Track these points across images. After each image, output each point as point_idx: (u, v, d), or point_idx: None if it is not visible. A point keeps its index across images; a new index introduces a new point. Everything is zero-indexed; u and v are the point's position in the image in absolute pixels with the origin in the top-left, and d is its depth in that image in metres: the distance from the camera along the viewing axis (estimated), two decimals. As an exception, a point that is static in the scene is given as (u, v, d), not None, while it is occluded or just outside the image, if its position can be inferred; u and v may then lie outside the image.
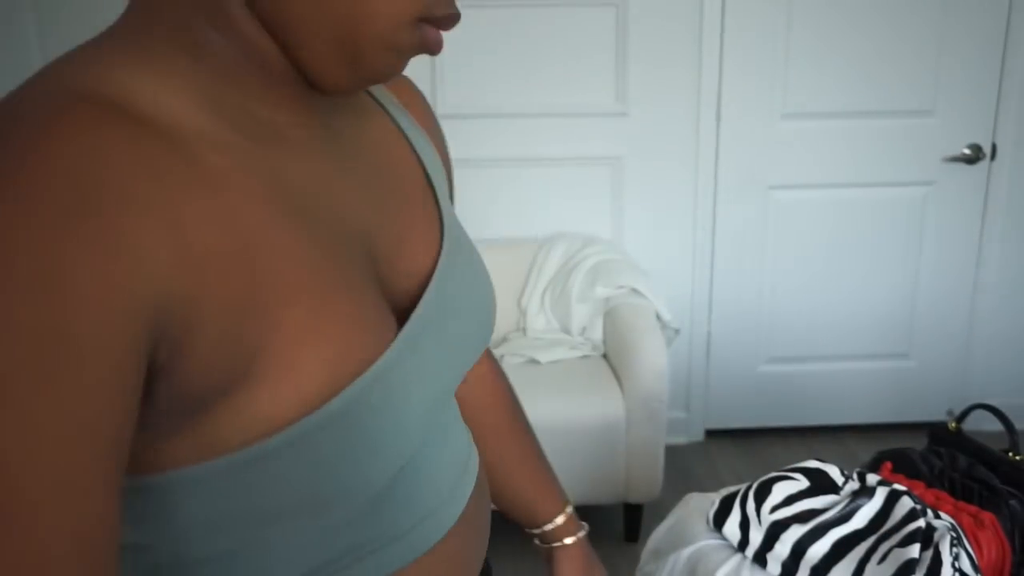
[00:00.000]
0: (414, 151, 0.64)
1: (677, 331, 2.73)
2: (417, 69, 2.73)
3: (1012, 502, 1.45)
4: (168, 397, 0.44)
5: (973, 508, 1.43)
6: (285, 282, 0.47)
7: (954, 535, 1.29)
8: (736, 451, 3.01)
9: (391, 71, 0.53)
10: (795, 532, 1.34)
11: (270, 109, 0.52)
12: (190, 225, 0.43)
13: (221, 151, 0.47)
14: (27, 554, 0.37)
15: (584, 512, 2.73)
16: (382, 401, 0.50)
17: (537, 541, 0.89)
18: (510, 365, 2.53)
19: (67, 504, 0.38)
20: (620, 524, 2.53)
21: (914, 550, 1.25)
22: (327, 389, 0.47)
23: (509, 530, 0.97)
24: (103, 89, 0.44)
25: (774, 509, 1.37)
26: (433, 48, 0.53)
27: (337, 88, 0.53)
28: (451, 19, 0.53)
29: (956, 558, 1.26)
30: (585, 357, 2.59)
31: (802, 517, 1.35)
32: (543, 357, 2.54)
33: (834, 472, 1.42)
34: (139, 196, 0.41)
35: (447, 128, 2.91)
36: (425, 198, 0.63)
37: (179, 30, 0.49)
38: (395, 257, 0.57)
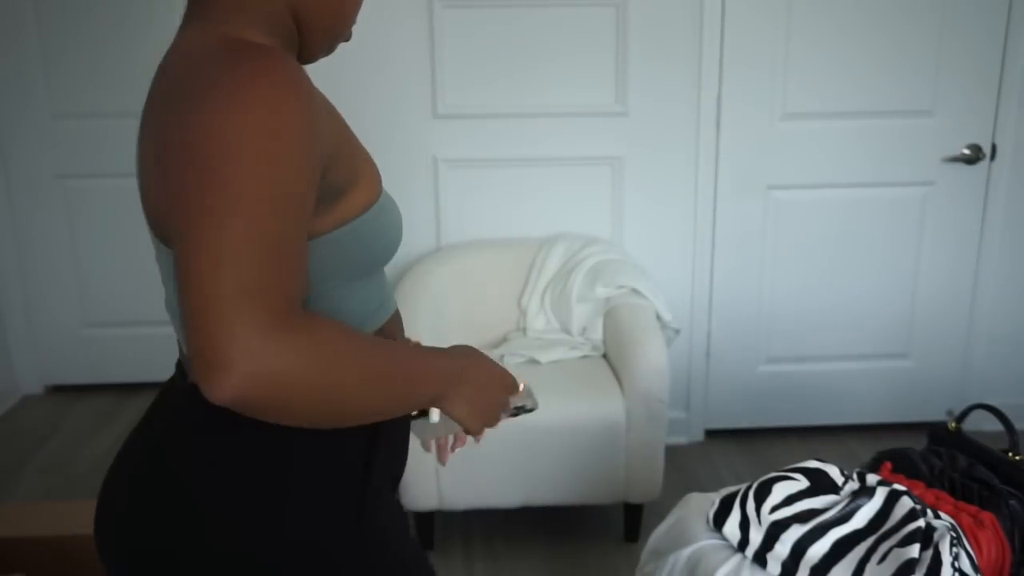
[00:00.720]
0: None
1: (677, 331, 2.73)
2: (417, 69, 2.73)
3: (1012, 502, 1.45)
4: (321, 191, 0.82)
5: (973, 508, 1.43)
6: (356, 142, 0.93)
7: (954, 535, 1.30)
8: (736, 451, 3.01)
9: (328, 54, 0.98)
10: (795, 532, 1.34)
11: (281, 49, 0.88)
12: (330, 107, 0.90)
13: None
14: (282, 242, 0.73)
15: (584, 512, 2.75)
16: (389, 202, 0.94)
17: None
18: (510, 365, 2.54)
19: (301, 232, 0.75)
20: (620, 524, 2.54)
21: (914, 550, 1.25)
22: (375, 194, 0.91)
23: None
24: (259, 42, 0.83)
25: (774, 509, 1.37)
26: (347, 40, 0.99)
27: (309, 61, 0.96)
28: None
29: (956, 558, 1.26)
30: (585, 357, 2.60)
31: (802, 517, 1.35)
32: (543, 357, 2.54)
33: (834, 472, 1.42)
34: (318, 92, 0.83)
35: (448, 128, 2.93)
36: None
37: (264, 18, 0.87)
38: None
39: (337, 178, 0.84)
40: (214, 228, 0.69)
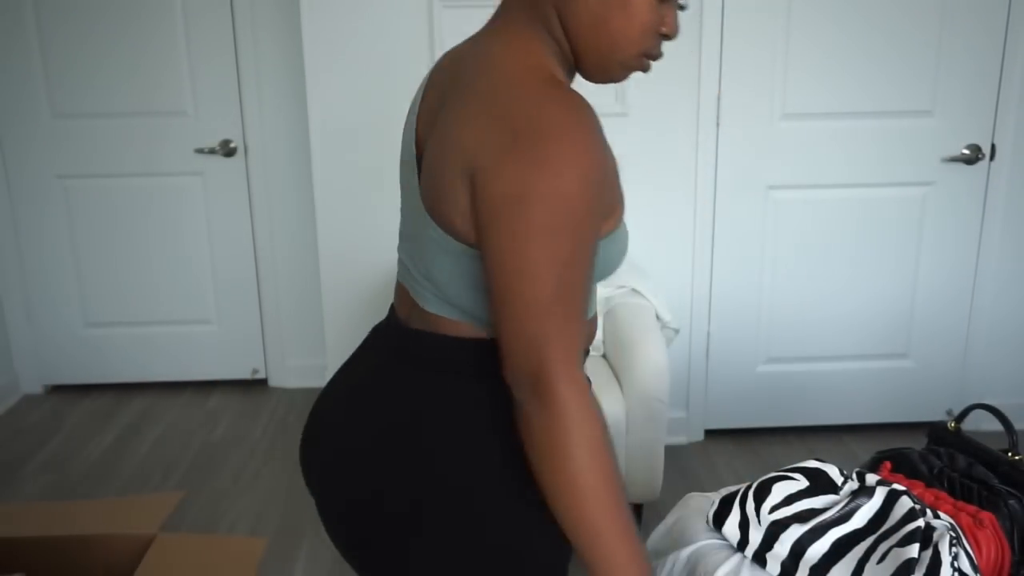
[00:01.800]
0: None
1: (677, 331, 2.73)
2: (418, 70, 2.73)
3: (1011, 502, 1.45)
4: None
5: (972, 508, 1.43)
6: (618, 180, 0.98)
7: (953, 535, 1.30)
8: (736, 451, 3.01)
9: (614, 81, 1.02)
10: (794, 532, 1.34)
11: (569, 81, 1.00)
12: (609, 147, 0.93)
13: None
14: (586, 283, 0.88)
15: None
16: (623, 230, 1.02)
17: None
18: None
19: (594, 263, 0.90)
20: (620, 524, 2.53)
21: (913, 550, 1.26)
22: (616, 224, 0.98)
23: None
24: (555, 74, 0.94)
25: (773, 509, 1.37)
26: (642, 71, 1.03)
27: (589, 79, 1.03)
28: (659, 57, 1.02)
29: (955, 558, 1.26)
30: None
31: (801, 517, 1.35)
32: (543, 357, 2.54)
33: (833, 472, 1.42)
34: (603, 134, 0.91)
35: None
36: None
37: (547, 34, 0.96)
38: None
39: (603, 209, 0.94)
40: (530, 282, 0.85)
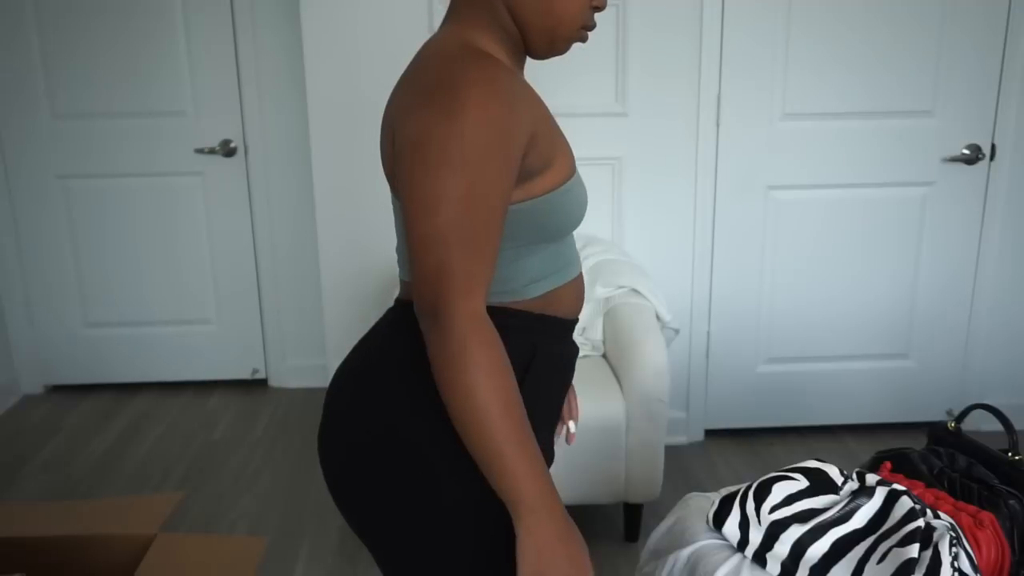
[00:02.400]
0: None
1: (677, 331, 2.73)
2: (417, 69, 2.73)
3: (1011, 502, 1.45)
4: (520, 172, 0.99)
5: (972, 508, 1.43)
6: (555, 132, 1.07)
7: (953, 535, 1.30)
8: (736, 451, 3.01)
9: (559, 53, 1.11)
10: (794, 532, 1.34)
11: (515, 61, 1.10)
12: (532, 104, 1.02)
13: (519, 76, 1.06)
14: (487, 222, 0.94)
15: (584, 512, 2.74)
16: (577, 184, 1.09)
17: None
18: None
19: (501, 207, 0.96)
20: (620, 524, 2.54)
21: (913, 550, 1.26)
22: (564, 176, 1.06)
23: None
24: (484, 48, 1.04)
25: (773, 509, 1.37)
26: (582, 41, 1.12)
27: (535, 57, 1.11)
28: (593, 27, 1.11)
29: (955, 558, 1.26)
30: (585, 357, 2.60)
31: (802, 517, 1.35)
32: (543, 357, 2.54)
33: (833, 472, 1.42)
34: (522, 92, 1.01)
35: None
36: None
37: (491, 21, 1.06)
38: None
39: (532, 163, 1.01)
40: (426, 216, 0.92)
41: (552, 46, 1.09)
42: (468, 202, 0.92)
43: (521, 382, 1.03)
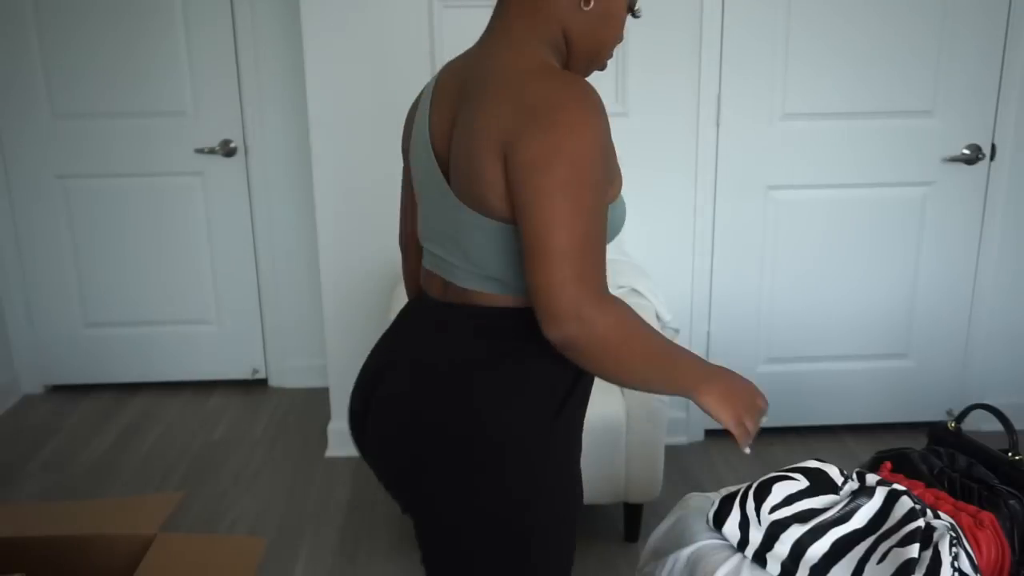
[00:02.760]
0: None
1: (677, 331, 2.73)
2: (418, 69, 2.73)
3: (1011, 502, 1.45)
4: None
5: (972, 508, 1.43)
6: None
7: (953, 535, 1.30)
8: (736, 451, 3.01)
9: (598, 69, 1.24)
10: (795, 532, 1.34)
11: None
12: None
13: None
14: (604, 228, 1.06)
15: (584, 511, 2.73)
16: (622, 200, 1.19)
17: None
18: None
19: (606, 212, 1.08)
20: (620, 524, 2.54)
21: (913, 550, 1.26)
22: (621, 184, 1.18)
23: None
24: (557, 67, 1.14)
25: (774, 509, 1.37)
26: (601, 70, 1.27)
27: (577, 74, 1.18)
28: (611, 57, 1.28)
29: (955, 558, 1.26)
30: (585, 357, 2.59)
31: (802, 517, 1.35)
32: (543, 357, 2.54)
33: (834, 472, 1.42)
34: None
35: (447, 128, 2.89)
36: None
37: (549, 41, 1.16)
38: None
39: (611, 172, 1.11)
40: (562, 231, 1.01)
41: (590, 66, 1.22)
42: (595, 213, 1.03)
43: (562, 404, 1.17)
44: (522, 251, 1.04)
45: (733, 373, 1.15)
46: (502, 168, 1.05)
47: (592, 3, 1.15)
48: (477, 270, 1.15)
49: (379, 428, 1.22)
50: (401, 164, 2.83)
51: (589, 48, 1.18)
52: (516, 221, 1.06)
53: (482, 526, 1.15)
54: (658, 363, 1.08)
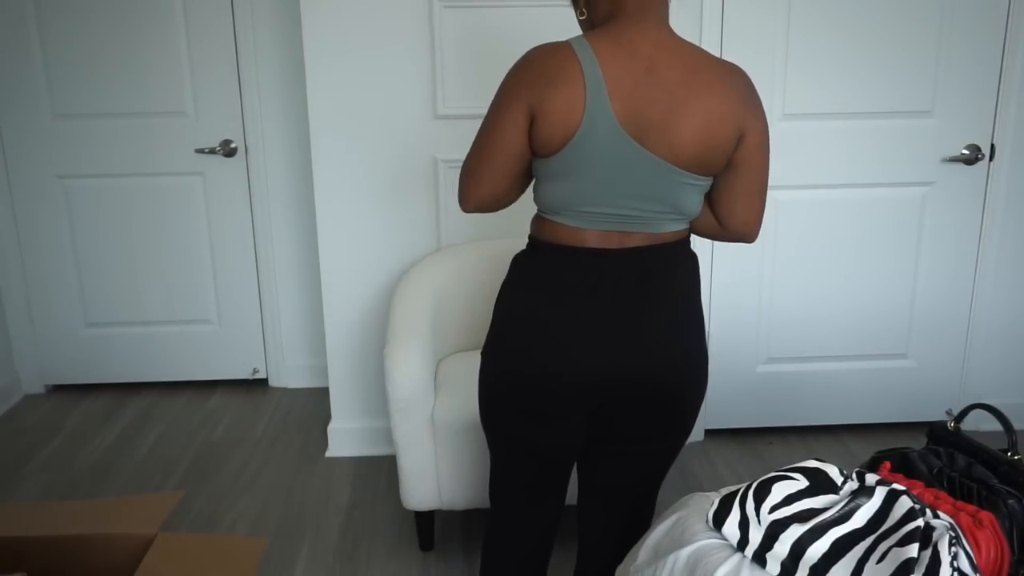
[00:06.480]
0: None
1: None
2: (418, 69, 2.73)
3: (1011, 501, 1.45)
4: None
5: (972, 507, 1.44)
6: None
7: (953, 534, 1.30)
8: (736, 451, 3.01)
9: None
10: (794, 532, 1.34)
11: None
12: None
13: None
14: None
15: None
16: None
17: None
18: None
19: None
20: (620, 524, 2.53)
21: (913, 549, 1.26)
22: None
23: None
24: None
25: (773, 509, 1.37)
26: None
27: None
28: None
29: (955, 557, 1.26)
30: (585, 357, 2.59)
31: (801, 517, 1.36)
32: (543, 357, 2.54)
33: (833, 472, 1.43)
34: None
35: (448, 128, 2.91)
36: None
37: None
38: None
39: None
40: (767, 183, 1.55)
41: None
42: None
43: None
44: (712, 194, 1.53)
45: None
46: (736, 145, 1.45)
47: None
48: (681, 216, 1.49)
49: (664, 358, 1.53)
50: (404, 164, 2.83)
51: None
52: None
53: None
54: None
